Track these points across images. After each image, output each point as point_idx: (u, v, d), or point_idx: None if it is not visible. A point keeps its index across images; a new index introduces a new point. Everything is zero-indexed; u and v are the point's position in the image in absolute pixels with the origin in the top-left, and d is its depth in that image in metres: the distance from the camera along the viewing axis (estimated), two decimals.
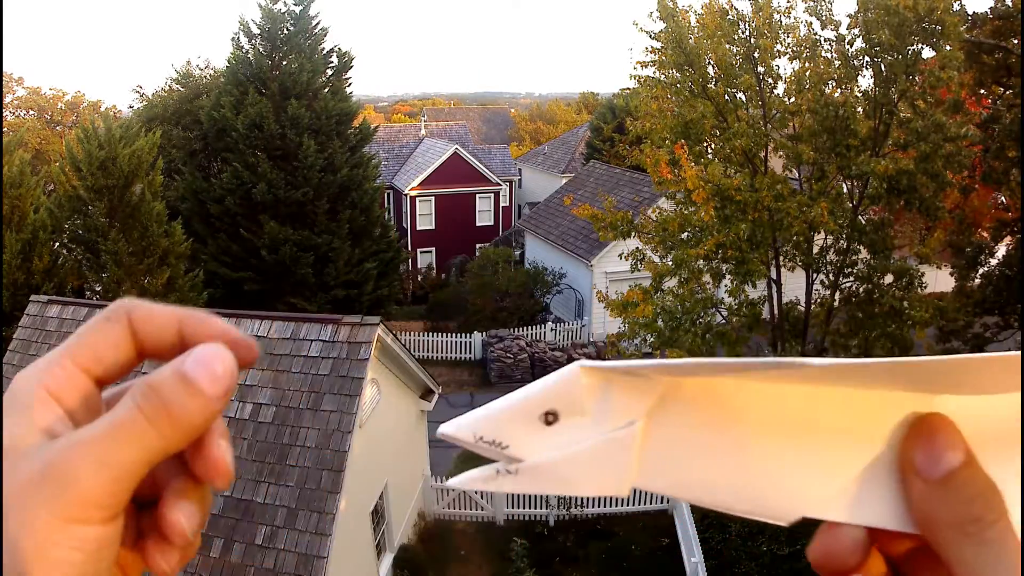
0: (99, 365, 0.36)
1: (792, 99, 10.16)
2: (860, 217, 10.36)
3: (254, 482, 7.20)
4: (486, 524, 11.53)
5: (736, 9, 10.02)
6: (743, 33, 10.05)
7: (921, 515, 0.34)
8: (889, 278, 10.39)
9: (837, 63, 9.90)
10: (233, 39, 19.28)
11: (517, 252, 24.88)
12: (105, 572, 0.33)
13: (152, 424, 0.32)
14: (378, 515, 9.52)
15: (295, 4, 19.26)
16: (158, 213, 14.50)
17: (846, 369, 0.33)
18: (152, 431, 0.32)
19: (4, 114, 28.66)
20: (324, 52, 19.60)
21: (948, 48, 9.12)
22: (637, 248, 10.95)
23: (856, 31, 9.65)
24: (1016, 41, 10.60)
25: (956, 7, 9.38)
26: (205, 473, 0.35)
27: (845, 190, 10.44)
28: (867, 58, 9.67)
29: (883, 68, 9.51)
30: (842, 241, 10.48)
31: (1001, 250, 11.93)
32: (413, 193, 27.87)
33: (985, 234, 12.04)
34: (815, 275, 10.90)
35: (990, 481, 0.33)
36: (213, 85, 21.97)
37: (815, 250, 10.78)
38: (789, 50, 10.07)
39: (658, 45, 10.44)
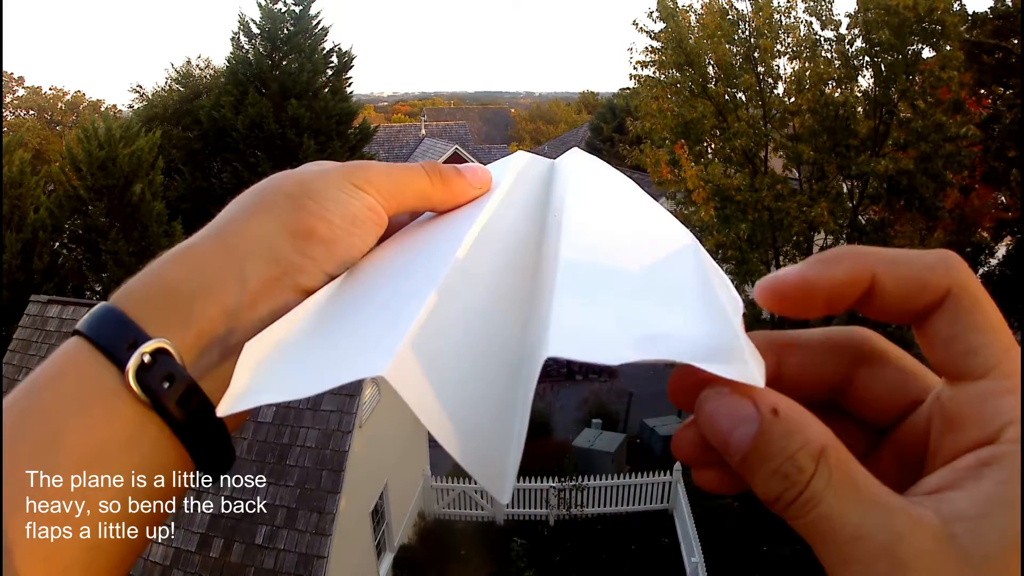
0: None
1: (792, 99, 10.15)
2: (860, 217, 10.36)
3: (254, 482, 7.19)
4: (486, 524, 11.53)
5: (736, 9, 10.03)
6: (743, 33, 10.05)
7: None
8: None
9: (837, 63, 9.90)
10: (233, 39, 19.29)
11: None
12: (360, 248, 0.39)
13: (428, 178, 0.42)
14: (378, 515, 9.52)
15: (295, 4, 19.27)
16: (158, 213, 14.52)
17: None
18: (426, 180, 0.42)
19: (4, 114, 28.66)
20: (324, 52, 19.60)
21: (948, 48, 9.13)
22: None
23: (856, 31, 9.65)
24: (1016, 41, 10.60)
25: (956, 7, 9.38)
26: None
27: (845, 190, 10.44)
28: (867, 58, 9.67)
29: (883, 68, 9.51)
30: (842, 241, 10.48)
31: (1001, 250, 11.92)
32: None
33: (985, 234, 12.02)
34: None
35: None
36: (213, 85, 21.95)
37: (815, 250, 10.77)
38: (789, 50, 10.07)
39: (658, 45, 10.44)
